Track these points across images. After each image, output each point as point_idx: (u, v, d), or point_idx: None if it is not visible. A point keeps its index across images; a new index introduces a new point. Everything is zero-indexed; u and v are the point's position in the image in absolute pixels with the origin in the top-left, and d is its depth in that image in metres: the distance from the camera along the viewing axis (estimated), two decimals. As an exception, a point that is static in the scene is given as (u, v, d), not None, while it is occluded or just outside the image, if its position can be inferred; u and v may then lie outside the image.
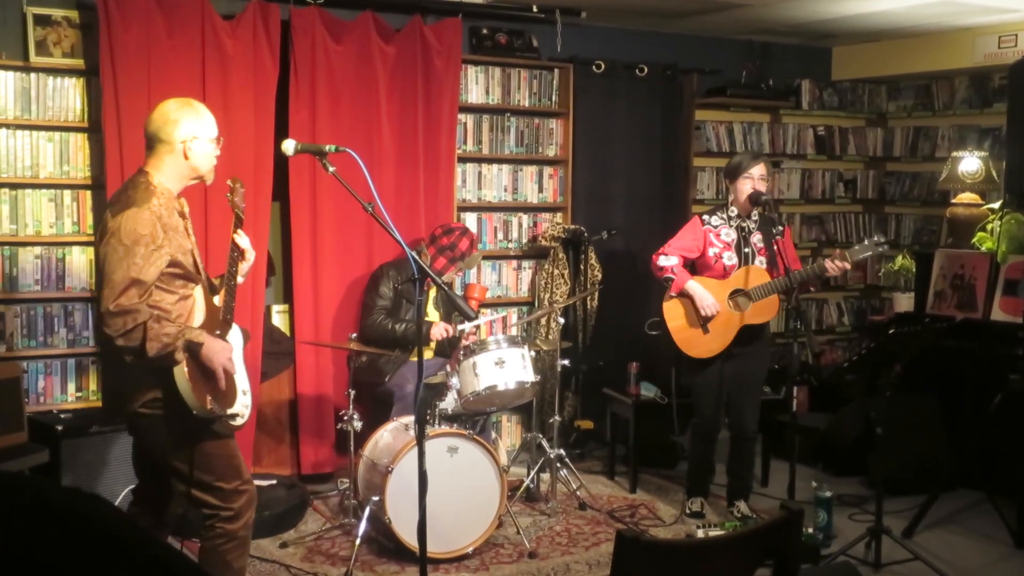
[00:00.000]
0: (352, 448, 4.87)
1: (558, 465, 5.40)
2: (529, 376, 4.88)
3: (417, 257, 3.36)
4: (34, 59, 5.13)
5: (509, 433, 6.55)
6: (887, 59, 7.45)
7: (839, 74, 7.81)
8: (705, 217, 5.07)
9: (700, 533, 4.79)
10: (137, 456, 3.68)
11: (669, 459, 6.07)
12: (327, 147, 3.37)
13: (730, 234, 5.01)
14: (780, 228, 5.10)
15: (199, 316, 3.42)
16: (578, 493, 5.45)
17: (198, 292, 3.43)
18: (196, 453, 3.34)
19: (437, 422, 4.74)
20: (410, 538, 4.30)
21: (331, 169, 3.31)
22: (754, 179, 4.93)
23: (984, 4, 5.95)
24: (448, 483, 4.48)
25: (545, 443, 5.43)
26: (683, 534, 5.01)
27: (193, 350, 3.26)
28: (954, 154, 6.70)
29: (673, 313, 5.02)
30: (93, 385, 5.36)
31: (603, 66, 6.60)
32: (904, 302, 6.63)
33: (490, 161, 6.41)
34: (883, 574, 4.51)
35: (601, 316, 6.57)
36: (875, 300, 8.02)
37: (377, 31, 5.76)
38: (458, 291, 6.10)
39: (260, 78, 5.42)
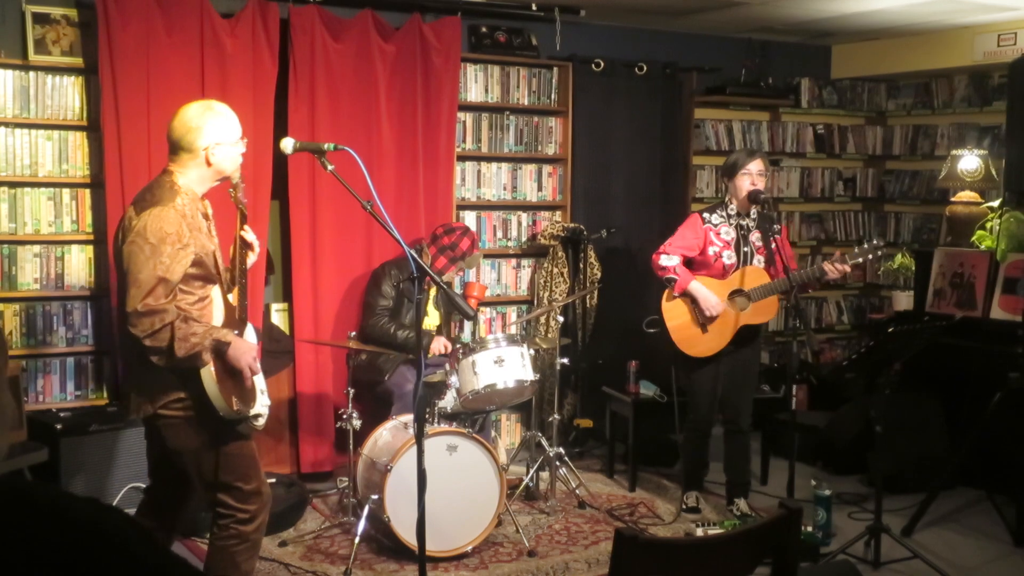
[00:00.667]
0: (351, 447, 4.87)
1: (557, 464, 5.40)
2: (528, 375, 4.88)
3: (416, 256, 3.36)
4: (33, 57, 5.13)
5: (508, 432, 6.55)
6: (886, 57, 7.45)
7: (838, 72, 7.81)
8: (705, 215, 5.06)
9: (699, 531, 4.80)
10: (154, 458, 3.62)
11: (668, 458, 6.06)
12: (326, 145, 3.36)
13: (730, 232, 5.01)
14: (778, 227, 5.10)
15: (218, 316, 3.40)
16: (577, 492, 5.45)
17: (215, 292, 3.41)
18: (219, 454, 3.32)
19: (436, 420, 4.74)
20: (409, 536, 4.31)
21: (330, 167, 3.31)
22: (752, 175, 4.93)
23: (983, 2, 5.95)
24: (447, 482, 4.48)
25: (544, 442, 5.43)
26: (682, 532, 5.01)
27: (220, 350, 3.24)
28: (953, 152, 6.69)
29: (672, 312, 5.02)
30: (92, 384, 5.36)
31: (602, 64, 6.60)
32: (903, 300, 6.63)
33: (489, 159, 6.41)
34: (882, 572, 4.51)
35: (600, 314, 6.57)
36: (874, 298, 8.02)
37: (376, 29, 5.76)
38: (457, 289, 6.09)
39: (259, 76, 5.42)
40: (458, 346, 5.09)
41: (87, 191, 5.32)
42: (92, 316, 5.34)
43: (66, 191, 5.27)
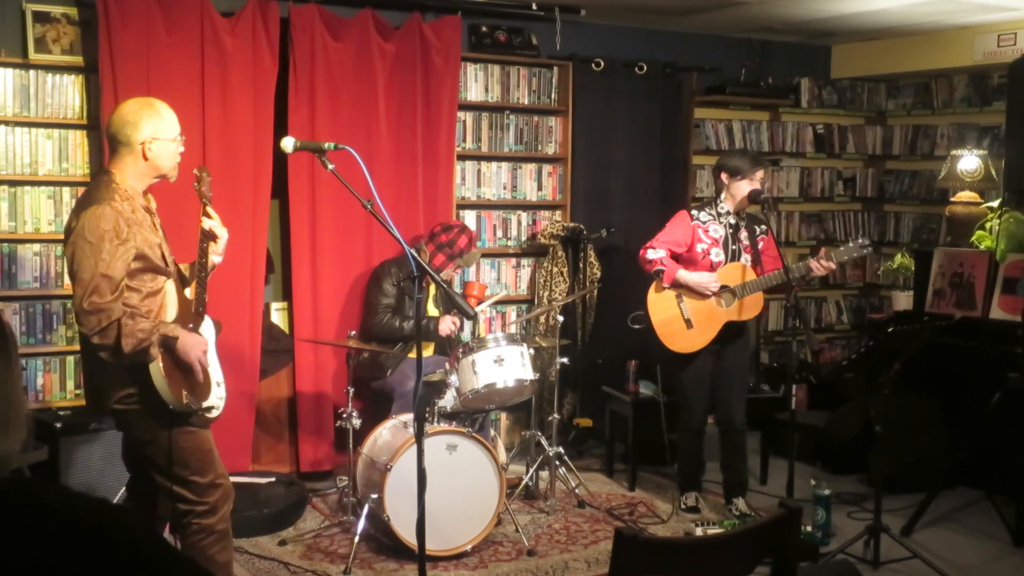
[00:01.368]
0: (351, 446, 4.87)
1: (557, 463, 5.40)
2: (528, 374, 4.88)
3: (416, 255, 3.36)
4: (33, 56, 5.13)
5: (508, 431, 6.55)
6: (886, 57, 7.45)
7: (838, 72, 7.81)
8: (694, 212, 5.08)
9: (699, 531, 4.79)
10: (125, 451, 3.71)
11: (668, 457, 6.06)
12: (326, 145, 3.36)
13: (719, 230, 5.03)
14: (764, 227, 5.11)
15: (171, 310, 3.44)
16: (577, 491, 5.45)
17: (169, 286, 3.45)
18: (172, 447, 3.36)
19: (436, 420, 4.74)
20: (409, 536, 4.31)
21: (330, 167, 3.31)
22: (755, 182, 4.97)
23: (983, 2, 5.95)
24: (447, 481, 4.48)
25: (544, 441, 5.43)
26: (682, 532, 5.01)
27: (168, 344, 3.29)
28: (953, 152, 6.69)
29: (657, 307, 5.03)
30: (92, 382, 5.36)
31: (602, 64, 6.60)
32: (903, 300, 6.63)
33: (489, 159, 6.41)
34: (882, 572, 4.51)
35: (600, 314, 6.57)
36: (874, 298, 8.03)
37: (376, 29, 5.76)
38: (457, 288, 6.10)
39: (259, 75, 5.42)
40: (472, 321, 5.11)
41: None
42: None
43: (66, 190, 5.27)
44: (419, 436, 3.27)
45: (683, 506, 5.26)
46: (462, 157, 6.28)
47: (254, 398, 5.57)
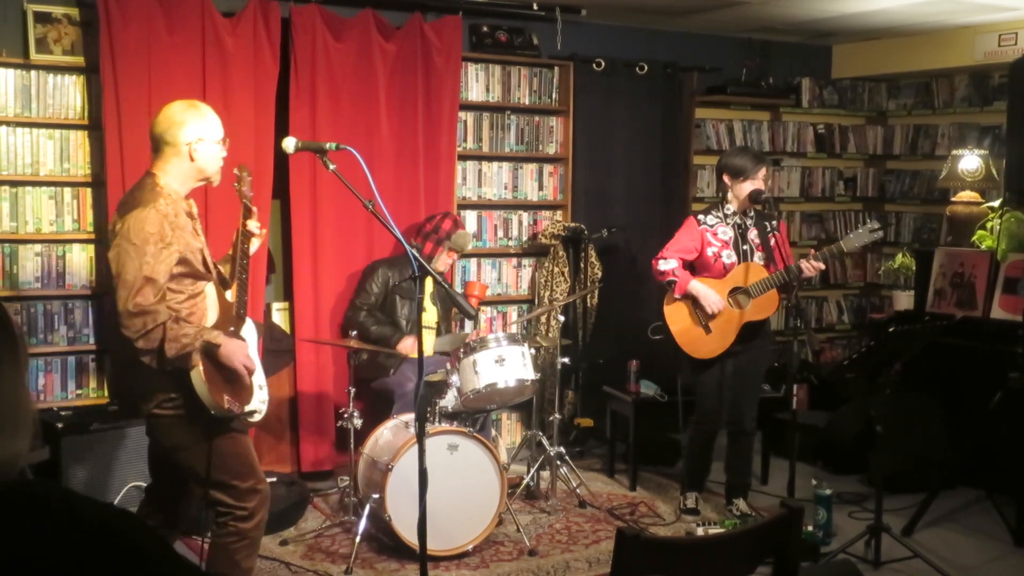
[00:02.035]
0: (352, 446, 4.87)
1: (558, 463, 5.40)
2: (529, 374, 4.88)
3: (417, 255, 3.36)
4: (34, 56, 5.13)
5: (509, 431, 6.56)
6: (887, 57, 7.45)
7: (839, 72, 7.81)
8: (700, 217, 5.06)
9: (700, 531, 4.79)
10: (153, 456, 3.67)
11: (669, 457, 6.07)
12: (327, 145, 3.36)
13: (727, 232, 5.01)
14: (775, 223, 5.10)
15: (212, 313, 3.42)
16: (578, 491, 5.45)
17: (209, 289, 3.44)
18: (213, 452, 3.34)
19: (437, 420, 4.74)
20: (410, 535, 4.31)
21: (331, 167, 3.31)
22: (757, 182, 4.95)
23: (984, 2, 5.95)
24: (448, 481, 4.48)
25: (545, 441, 5.44)
26: (683, 532, 5.01)
27: (210, 351, 3.28)
28: (954, 152, 6.69)
29: (675, 316, 5.02)
30: (93, 383, 5.37)
31: (603, 64, 6.60)
32: (904, 300, 6.63)
33: (490, 159, 6.42)
34: (883, 572, 4.51)
35: (601, 314, 6.57)
36: (875, 298, 8.03)
37: (377, 29, 5.77)
38: (458, 288, 6.10)
39: (260, 76, 5.42)
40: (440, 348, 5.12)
41: (88, 190, 5.32)
42: (93, 315, 5.34)
43: (67, 190, 5.28)
44: (420, 436, 3.27)
45: (683, 507, 5.26)
46: (463, 157, 6.29)
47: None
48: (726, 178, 5.04)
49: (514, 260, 6.57)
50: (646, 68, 6.74)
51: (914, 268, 6.46)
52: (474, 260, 6.41)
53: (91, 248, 5.33)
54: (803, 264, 4.88)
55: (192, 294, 3.36)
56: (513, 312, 6.59)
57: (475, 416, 5.24)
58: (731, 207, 5.02)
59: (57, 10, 5.18)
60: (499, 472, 4.65)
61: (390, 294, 5.46)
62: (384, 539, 4.71)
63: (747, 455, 5.22)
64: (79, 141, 5.29)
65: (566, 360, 5.48)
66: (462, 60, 6.10)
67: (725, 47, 7.24)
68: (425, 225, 5.57)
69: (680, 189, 7.04)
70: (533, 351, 5.12)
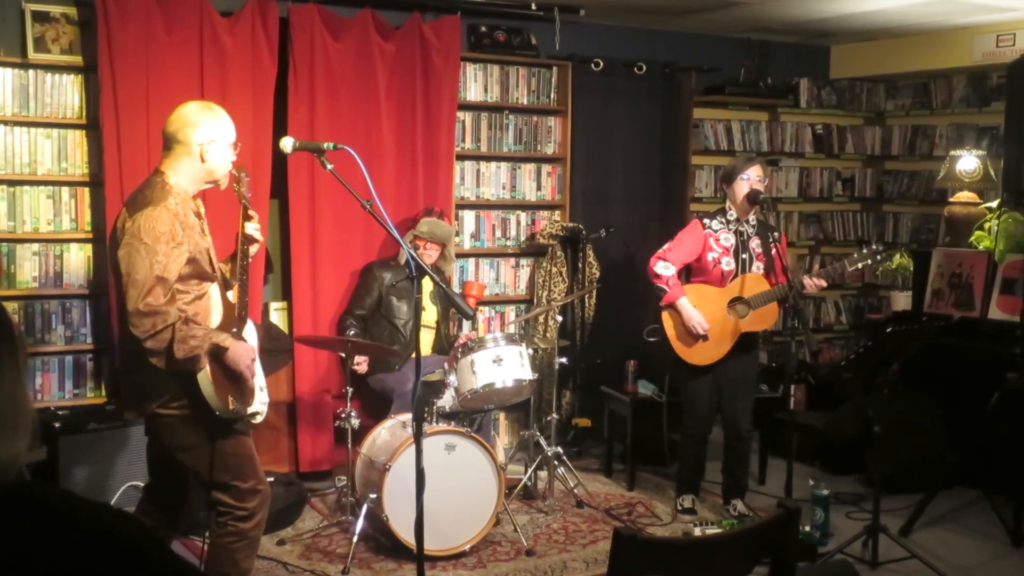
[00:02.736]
0: (350, 445, 4.87)
1: (555, 463, 5.40)
2: (527, 374, 4.88)
3: (414, 254, 3.36)
4: (32, 56, 5.13)
5: (507, 431, 6.55)
6: (885, 58, 7.46)
7: (837, 72, 7.81)
8: (706, 221, 5.06)
9: (697, 531, 4.79)
10: (153, 456, 3.66)
11: (667, 457, 6.06)
12: (325, 145, 3.36)
13: (729, 239, 5.00)
14: (777, 234, 5.10)
15: (216, 314, 3.42)
16: (575, 491, 5.45)
17: (213, 290, 3.43)
18: (215, 453, 3.34)
19: (435, 420, 4.74)
20: (407, 535, 4.31)
21: (329, 167, 3.31)
22: (751, 181, 4.94)
23: (982, 3, 5.96)
24: (445, 481, 4.48)
25: (543, 441, 5.44)
26: (680, 532, 5.01)
27: (218, 354, 3.27)
28: (952, 153, 6.69)
29: (672, 322, 5.01)
30: (91, 382, 5.36)
31: (601, 64, 6.60)
32: (902, 301, 6.63)
33: (488, 159, 6.42)
34: (880, 572, 4.51)
35: (599, 314, 6.57)
36: (873, 298, 8.03)
37: (376, 28, 5.76)
38: (456, 288, 6.10)
39: (258, 75, 5.42)
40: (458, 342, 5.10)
41: (86, 189, 5.32)
42: (91, 314, 5.34)
43: (65, 189, 5.27)
44: (418, 436, 3.27)
45: (680, 507, 5.26)
46: (461, 157, 6.28)
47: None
48: (723, 186, 5.07)
49: (512, 260, 6.57)
50: (644, 68, 6.75)
51: (912, 269, 6.46)
52: (472, 260, 6.41)
53: (89, 248, 5.33)
54: (806, 280, 4.88)
55: (198, 295, 3.35)
56: (511, 312, 6.59)
57: (473, 416, 5.24)
58: (733, 213, 5.02)
59: (55, 9, 5.18)
60: (497, 472, 4.65)
61: (385, 295, 5.46)
62: (381, 539, 4.71)
63: (744, 459, 5.22)
64: (77, 140, 5.28)
65: (564, 360, 5.48)
66: (460, 60, 6.10)
67: (723, 47, 7.24)
68: (407, 223, 5.62)
69: (678, 189, 7.04)
70: (531, 351, 5.12)
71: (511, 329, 6.37)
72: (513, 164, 6.49)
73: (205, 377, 3.23)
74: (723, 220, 5.03)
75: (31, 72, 5.16)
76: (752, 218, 5.03)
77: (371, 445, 4.79)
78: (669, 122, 6.94)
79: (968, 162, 6.49)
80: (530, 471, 5.45)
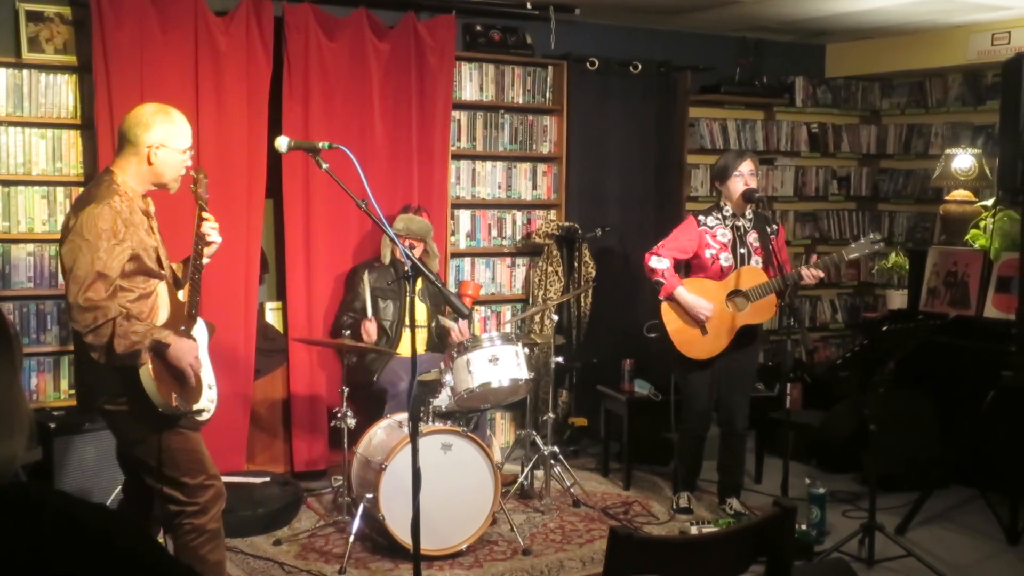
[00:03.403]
0: (346, 445, 4.87)
1: (552, 462, 5.40)
2: (523, 373, 4.87)
3: (409, 253, 3.36)
4: (26, 56, 5.12)
5: (503, 430, 6.56)
6: (881, 56, 7.46)
7: (833, 71, 7.82)
8: (701, 217, 5.06)
9: (693, 530, 4.80)
10: (118, 451, 3.72)
11: (663, 456, 6.06)
12: (320, 144, 3.36)
13: (726, 234, 5.00)
14: (775, 227, 5.10)
15: (163, 312, 3.45)
16: (572, 490, 5.45)
17: (161, 288, 3.46)
18: (162, 449, 3.37)
19: (431, 419, 4.74)
20: (404, 535, 4.30)
21: (324, 166, 3.31)
22: (744, 176, 4.94)
23: (977, 2, 5.96)
24: (442, 480, 4.47)
25: (539, 440, 5.43)
26: (676, 531, 5.01)
27: (159, 350, 3.30)
28: (947, 151, 6.71)
29: (672, 315, 5.01)
30: (86, 382, 5.35)
31: (597, 63, 6.60)
32: (897, 299, 6.64)
33: (484, 158, 6.41)
34: (876, 570, 4.52)
35: (595, 313, 6.57)
36: (868, 297, 8.03)
37: (371, 28, 5.76)
38: (452, 287, 6.10)
39: (253, 75, 5.41)
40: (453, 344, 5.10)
41: (81, 190, 5.29)
42: (62, 315, 5.32)
43: (60, 190, 5.26)
44: (414, 435, 3.27)
45: (676, 506, 5.26)
46: (457, 156, 6.28)
47: (249, 398, 5.56)
48: (716, 184, 5.07)
49: (508, 259, 6.57)
50: (640, 67, 6.75)
51: (907, 267, 6.47)
52: (468, 259, 6.41)
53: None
54: (803, 271, 4.89)
55: (143, 294, 3.37)
56: (507, 311, 6.59)
57: (469, 415, 5.23)
58: (729, 209, 5.02)
59: (49, 9, 5.17)
60: (493, 471, 4.64)
61: (372, 296, 5.45)
62: (378, 539, 4.70)
63: (739, 456, 5.22)
64: (71, 140, 5.27)
65: (560, 359, 5.48)
66: (455, 59, 6.10)
67: (719, 46, 7.24)
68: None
69: (674, 188, 7.03)
70: (527, 350, 5.12)
71: (507, 328, 6.37)
72: (509, 163, 6.49)
73: (147, 373, 3.25)
74: (718, 216, 5.03)
75: (25, 72, 5.15)
76: (749, 212, 5.03)
77: (367, 445, 4.79)
78: (664, 121, 6.94)
79: (963, 160, 6.50)
80: (527, 470, 5.44)
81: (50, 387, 5.28)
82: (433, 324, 5.59)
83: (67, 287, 3.22)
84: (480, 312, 6.45)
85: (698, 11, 6.45)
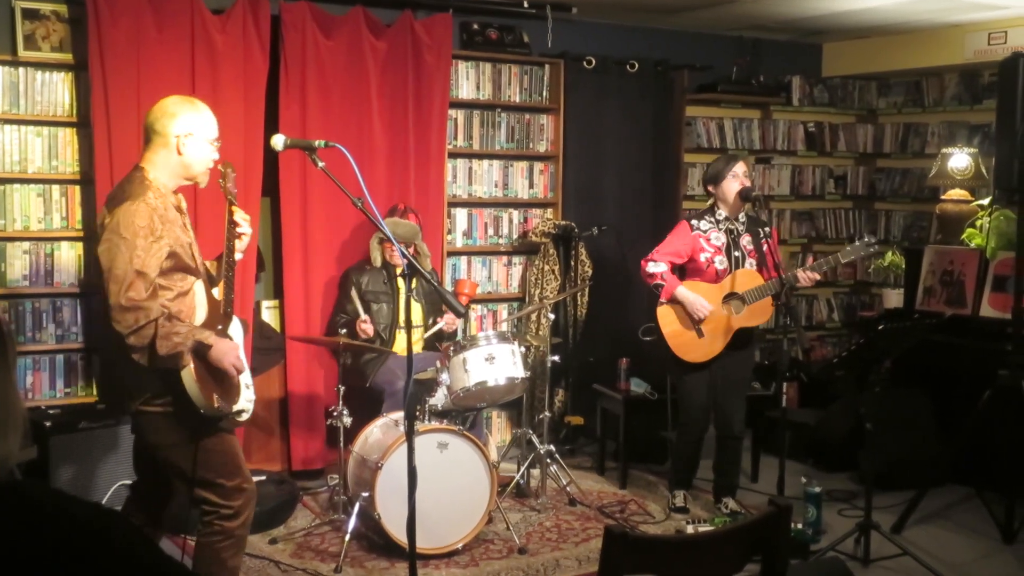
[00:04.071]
0: (342, 444, 4.87)
1: (548, 461, 5.40)
2: (519, 372, 4.88)
3: (405, 252, 3.35)
4: (22, 53, 5.11)
5: (499, 429, 6.56)
6: (877, 55, 7.46)
7: (829, 70, 7.82)
8: (694, 222, 5.06)
9: (689, 529, 4.80)
10: (138, 453, 3.65)
11: (659, 455, 6.06)
12: (317, 142, 3.36)
13: (720, 238, 5.01)
14: (768, 230, 5.11)
15: (200, 311, 3.40)
16: (568, 489, 5.45)
17: (198, 287, 3.41)
18: (199, 450, 3.32)
19: (427, 418, 4.74)
20: (400, 534, 4.30)
21: (321, 164, 3.30)
22: (739, 176, 4.95)
23: (974, 1, 5.97)
24: (438, 479, 4.47)
25: (535, 439, 5.43)
26: (672, 530, 5.01)
27: (201, 351, 3.25)
28: (944, 150, 6.71)
29: (668, 319, 5.01)
30: (82, 381, 5.34)
31: (594, 62, 6.59)
32: (894, 298, 6.64)
33: (480, 157, 6.41)
34: (872, 569, 4.52)
35: (591, 312, 6.57)
36: (865, 296, 8.04)
37: (367, 26, 5.75)
38: (448, 286, 6.09)
39: (250, 73, 5.40)
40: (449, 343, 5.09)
41: (77, 188, 5.30)
42: (82, 313, 5.32)
43: (56, 187, 5.26)
44: (410, 434, 3.27)
45: (672, 505, 5.26)
46: (453, 155, 6.28)
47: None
48: (710, 188, 5.07)
49: (504, 258, 6.57)
50: (637, 66, 6.75)
51: (904, 266, 6.47)
52: (464, 258, 6.41)
53: (79, 246, 5.31)
54: (799, 274, 4.90)
55: (181, 292, 3.33)
56: (503, 310, 6.59)
57: (465, 414, 5.23)
58: (722, 212, 5.02)
59: (45, 6, 5.16)
60: (489, 470, 4.64)
61: (363, 299, 5.44)
62: (374, 537, 4.70)
63: (736, 458, 5.23)
64: (67, 138, 5.27)
65: (556, 358, 5.48)
66: (452, 58, 6.09)
67: (716, 45, 7.25)
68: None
69: (670, 187, 7.04)
70: (523, 349, 5.12)
71: (503, 327, 6.37)
72: (505, 162, 6.49)
73: (189, 375, 3.21)
74: (712, 219, 5.04)
75: (21, 70, 5.14)
76: (742, 215, 5.04)
77: (363, 443, 4.79)
78: (661, 120, 6.94)
79: (960, 160, 6.50)
80: (523, 469, 5.45)
81: (45, 385, 5.27)
82: (430, 321, 5.58)
83: (106, 287, 3.17)
84: (476, 311, 6.45)
85: (695, 10, 6.45)
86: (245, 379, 3.52)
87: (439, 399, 4.90)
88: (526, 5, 6.19)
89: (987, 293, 5.79)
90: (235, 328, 3.53)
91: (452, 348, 4.89)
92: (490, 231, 6.48)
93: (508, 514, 4.92)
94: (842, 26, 7.02)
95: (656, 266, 4.98)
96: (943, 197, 6.65)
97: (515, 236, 6.56)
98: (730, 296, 4.97)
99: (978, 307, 5.81)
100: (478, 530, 4.65)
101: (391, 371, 5.26)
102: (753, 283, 4.94)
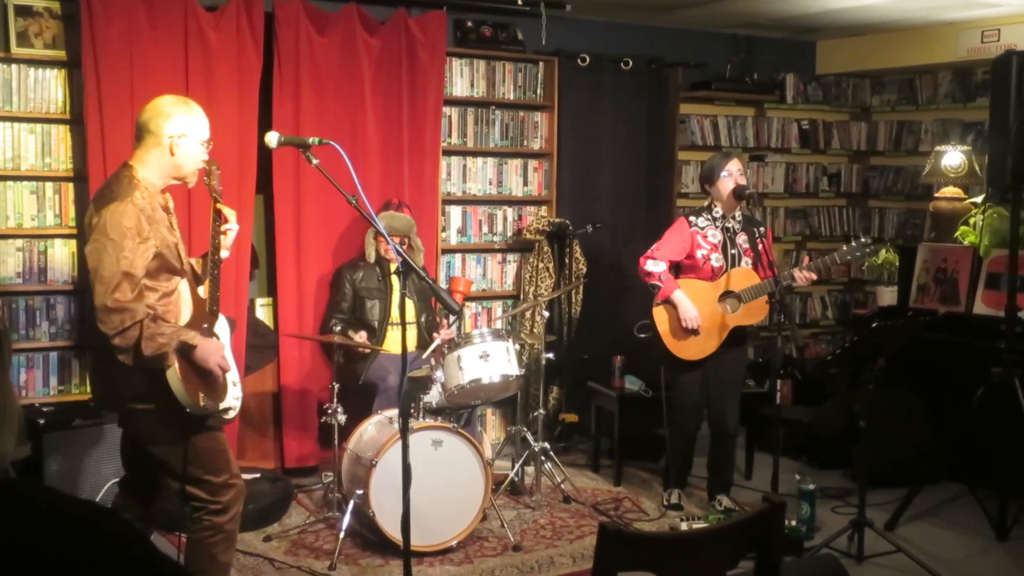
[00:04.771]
0: (336, 441, 4.86)
1: (542, 458, 5.41)
2: (514, 369, 4.88)
3: (400, 249, 3.35)
4: (15, 50, 5.09)
5: (494, 426, 6.56)
6: (871, 53, 7.48)
7: (823, 68, 7.83)
8: (691, 218, 5.06)
9: (683, 526, 4.80)
10: (126, 449, 3.67)
11: (654, 452, 6.07)
12: (311, 140, 3.35)
13: (716, 235, 5.01)
14: (762, 229, 5.11)
15: (186, 310, 3.40)
16: (562, 486, 5.45)
17: (183, 286, 3.42)
18: (188, 448, 3.33)
19: (421, 415, 4.74)
20: (394, 531, 4.30)
21: (315, 162, 3.30)
22: (733, 174, 4.95)
23: (967, -1, 5.98)
24: (432, 476, 4.47)
25: (530, 436, 5.44)
26: (667, 527, 5.02)
27: (186, 351, 3.26)
28: (937, 148, 6.72)
29: (664, 317, 5.01)
30: (76, 379, 5.33)
31: (588, 59, 6.59)
32: (887, 296, 6.66)
33: (475, 154, 6.41)
34: (866, 566, 4.53)
35: (586, 309, 6.57)
36: (859, 294, 8.05)
37: (361, 23, 5.75)
38: (443, 284, 6.09)
39: (244, 70, 5.39)
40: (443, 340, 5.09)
41: (70, 185, 5.29)
42: (75, 310, 5.31)
43: (49, 185, 5.24)
44: (404, 432, 3.27)
45: (666, 503, 5.27)
46: (447, 152, 6.27)
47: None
48: (706, 187, 5.08)
49: (499, 255, 6.56)
50: (631, 63, 6.75)
51: (897, 264, 6.49)
52: (459, 255, 6.41)
53: (73, 243, 5.30)
54: (795, 273, 4.90)
55: (166, 292, 3.33)
56: (498, 308, 6.59)
57: (460, 412, 5.23)
58: (719, 210, 5.03)
59: (38, 3, 5.14)
60: (483, 468, 4.64)
61: (357, 295, 5.44)
62: (368, 535, 4.70)
63: (729, 456, 5.23)
64: (61, 135, 5.25)
65: (551, 356, 5.48)
66: (447, 55, 6.09)
67: (710, 43, 7.25)
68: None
69: (665, 185, 7.04)
70: (518, 347, 5.12)
71: (498, 325, 6.37)
72: (500, 159, 6.49)
73: (174, 374, 3.23)
74: (709, 217, 5.04)
75: (14, 67, 5.13)
76: (738, 214, 5.04)
77: (357, 441, 4.78)
78: (655, 117, 6.94)
79: (953, 157, 6.51)
80: (517, 466, 5.45)
81: (39, 383, 5.26)
82: (423, 319, 5.57)
83: (93, 288, 3.18)
84: (471, 308, 6.45)
85: (689, 7, 6.45)
86: (232, 377, 3.53)
87: (433, 396, 4.90)
88: (520, 2, 6.19)
89: (980, 291, 5.81)
90: (221, 326, 3.54)
91: (447, 346, 4.89)
92: (484, 228, 6.48)
93: (503, 511, 4.92)
94: (836, 24, 7.03)
95: (655, 265, 4.98)
96: (936, 195, 6.67)
97: (509, 233, 6.56)
98: (726, 294, 4.97)
99: (971, 305, 5.83)
100: (472, 527, 4.65)
101: (382, 367, 5.26)
102: (750, 282, 4.95)
